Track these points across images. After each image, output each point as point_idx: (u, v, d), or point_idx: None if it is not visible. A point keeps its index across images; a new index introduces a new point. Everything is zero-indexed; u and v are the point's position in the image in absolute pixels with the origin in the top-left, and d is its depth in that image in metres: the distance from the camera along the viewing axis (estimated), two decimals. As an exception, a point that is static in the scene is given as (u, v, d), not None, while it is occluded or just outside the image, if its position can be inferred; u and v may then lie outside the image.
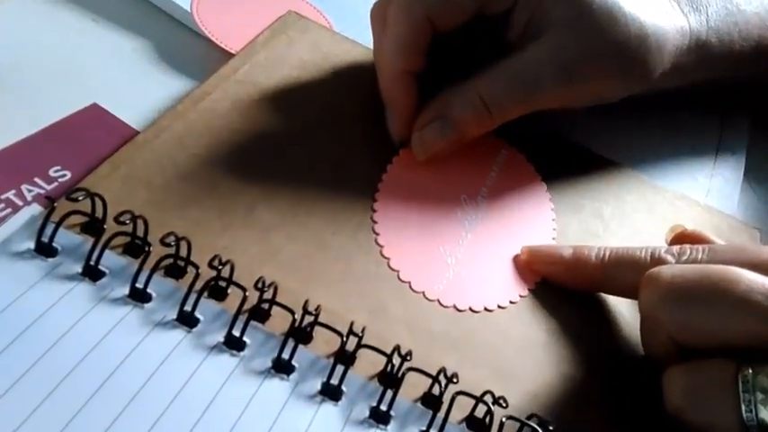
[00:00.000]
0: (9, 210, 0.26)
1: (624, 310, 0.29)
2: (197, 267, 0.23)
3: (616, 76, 0.30)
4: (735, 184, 0.37)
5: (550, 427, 0.23)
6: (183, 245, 0.24)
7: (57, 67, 0.32)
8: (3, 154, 0.28)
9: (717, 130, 0.38)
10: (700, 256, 0.26)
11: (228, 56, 0.34)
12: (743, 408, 0.21)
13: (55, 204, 0.23)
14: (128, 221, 0.23)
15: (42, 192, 0.27)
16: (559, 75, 0.29)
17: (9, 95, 0.30)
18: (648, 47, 0.30)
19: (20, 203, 0.27)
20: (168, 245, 0.23)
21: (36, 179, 0.28)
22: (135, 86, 0.33)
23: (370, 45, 0.36)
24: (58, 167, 0.28)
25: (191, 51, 0.35)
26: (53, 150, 0.29)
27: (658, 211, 0.33)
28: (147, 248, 0.23)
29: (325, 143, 0.31)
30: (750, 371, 0.22)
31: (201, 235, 0.26)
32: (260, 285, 0.23)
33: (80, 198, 0.23)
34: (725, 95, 0.38)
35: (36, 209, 0.25)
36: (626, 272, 0.27)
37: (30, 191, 0.27)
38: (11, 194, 0.27)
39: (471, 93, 0.30)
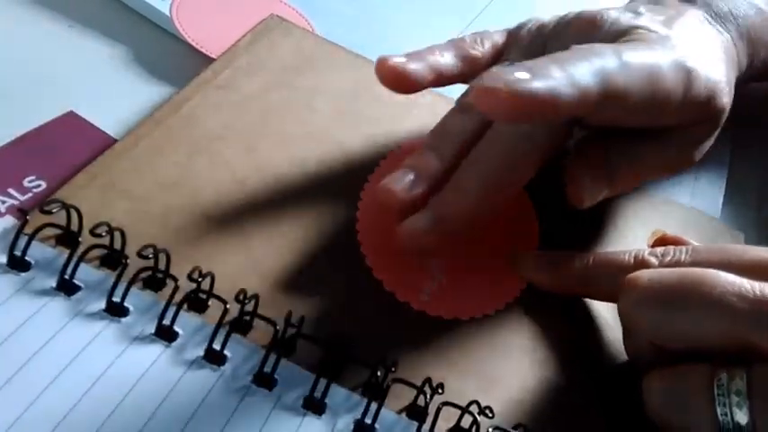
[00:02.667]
0: (-18, 221, 0.25)
1: (609, 316, 0.28)
2: (176, 280, 0.23)
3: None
4: (719, 186, 0.37)
5: (537, 438, 0.23)
6: (162, 257, 0.23)
7: (32, 74, 0.31)
8: (-24, 164, 0.27)
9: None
10: (683, 257, 0.26)
11: (209, 60, 0.34)
12: (718, 411, 0.21)
13: (28, 217, 0.22)
14: (104, 233, 0.23)
15: (16, 203, 0.26)
16: None
17: (-18, 103, 0.29)
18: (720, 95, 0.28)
19: (-7, 215, 0.26)
20: (146, 257, 0.22)
21: (9, 190, 0.27)
22: (113, 93, 0.32)
23: (353, 48, 0.36)
24: (33, 177, 0.28)
25: (170, 56, 0.34)
26: (28, 160, 0.28)
27: (643, 214, 0.33)
28: (124, 261, 0.23)
29: (308, 150, 0.31)
30: (725, 374, 0.22)
31: (182, 245, 0.25)
32: (241, 297, 0.23)
33: (54, 210, 0.23)
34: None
35: (9, 221, 0.25)
36: (610, 276, 0.27)
37: (3, 202, 0.27)
38: (-16, 205, 0.26)
39: (633, 157, 0.28)
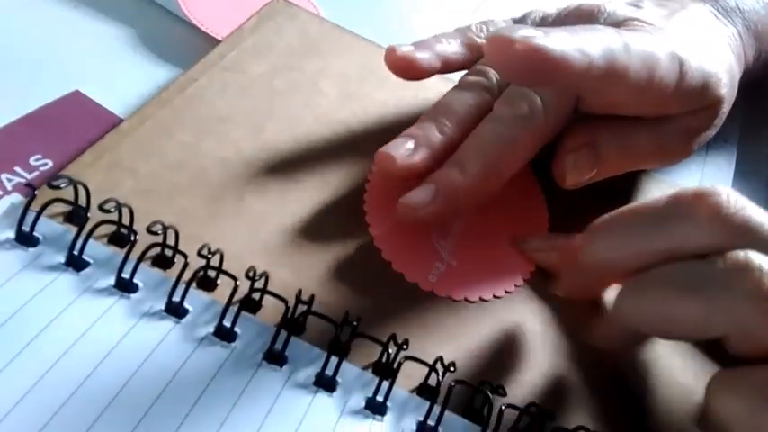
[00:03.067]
0: (-11, 199, 0.25)
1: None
2: (186, 256, 0.23)
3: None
4: (727, 172, 0.37)
5: (549, 415, 0.23)
6: (171, 234, 0.23)
7: (37, 54, 0.31)
8: (-19, 143, 0.27)
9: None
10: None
11: (214, 42, 0.33)
12: None
13: (36, 192, 0.22)
14: (112, 209, 0.22)
15: (23, 181, 0.26)
16: None
17: (-12, 82, 0.29)
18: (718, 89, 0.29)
19: (0, 193, 0.26)
20: (155, 233, 0.22)
21: (16, 168, 0.27)
22: (118, 73, 0.32)
23: (358, 32, 0.36)
24: (39, 156, 0.27)
25: (175, 38, 0.34)
26: (34, 138, 0.28)
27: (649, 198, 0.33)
28: (133, 237, 0.22)
29: (315, 132, 0.31)
30: None
31: (189, 224, 0.25)
32: (251, 274, 0.23)
33: (62, 186, 0.22)
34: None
35: (17, 198, 0.24)
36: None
37: (10, 180, 0.26)
38: (-11, 184, 0.26)
39: (625, 140, 0.28)
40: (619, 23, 0.28)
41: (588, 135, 0.28)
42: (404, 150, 0.26)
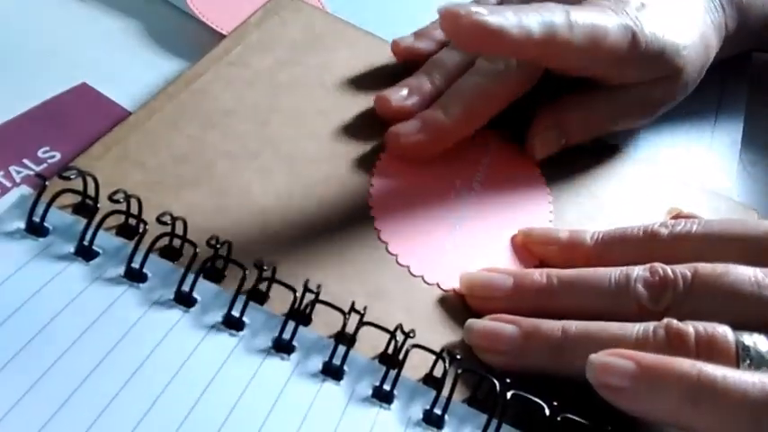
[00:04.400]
0: (-3, 191, 0.25)
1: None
2: (195, 246, 0.23)
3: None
4: (731, 163, 0.37)
5: (555, 404, 0.23)
6: (180, 224, 0.23)
7: (45, 47, 0.31)
8: (-10, 135, 0.27)
9: (713, 110, 0.39)
10: (694, 228, 0.26)
11: (220, 36, 0.34)
12: None
13: (46, 183, 0.22)
14: (122, 200, 0.23)
15: (32, 173, 0.26)
16: None
17: (-4, 75, 0.29)
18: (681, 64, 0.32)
19: (8, 185, 0.26)
20: (165, 223, 0.22)
21: (25, 160, 0.27)
22: (125, 67, 0.32)
23: (363, 26, 0.36)
24: (47, 148, 0.28)
25: (181, 32, 0.34)
26: (42, 131, 0.28)
27: (656, 192, 0.33)
28: (143, 227, 0.23)
29: (320, 125, 0.31)
30: None
31: (197, 217, 0.25)
32: (259, 264, 0.23)
33: (72, 177, 0.23)
34: (722, 75, 0.39)
35: (25, 190, 0.24)
36: (620, 249, 0.27)
37: (18, 172, 0.26)
38: (-1, 176, 0.26)
39: (584, 110, 0.32)
40: None
41: (552, 117, 0.32)
42: (399, 96, 0.31)
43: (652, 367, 0.21)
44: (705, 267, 0.24)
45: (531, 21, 0.27)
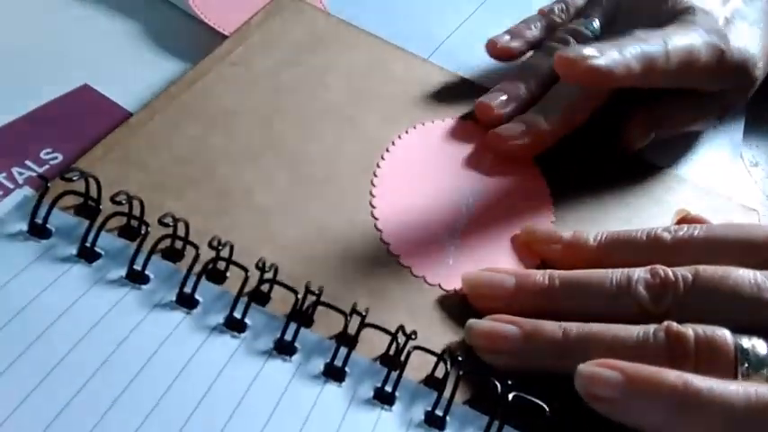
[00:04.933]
0: (0, 192, 0.25)
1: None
2: (197, 247, 0.23)
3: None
4: (732, 165, 0.37)
5: (555, 405, 0.23)
6: (181, 226, 0.23)
7: (46, 49, 0.31)
8: (-8, 136, 0.27)
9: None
10: (696, 233, 0.26)
11: (221, 37, 0.34)
12: None
13: (48, 184, 0.22)
14: (124, 201, 0.23)
15: (34, 174, 0.26)
16: None
17: (-2, 77, 0.29)
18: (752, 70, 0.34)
19: (11, 186, 0.26)
20: (167, 225, 0.22)
21: (27, 162, 0.27)
22: (126, 68, 0.32)
23: (366, 28, 0.36)
24: (49, 150, 0.28)
25: (183, 33, 0.34)
26: (44, 132, 0.28)
27: (657, 193, 0.33)
28: (145, 229, 0.23)
29: (322, 127, 0.31)
30: None
31: (199, 218, 0.25)
32: (261, 265, 0.23)
33: (74, 178, 0.23)
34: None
35: (28, 191, 0.25)
36: (622, 251, 0.27)
37: (21, 173, 0.27)
38: (1, 177, 0.26)
39: (674, 110, 0.35)
40: (681, 11, 0.33)
41: (648, 114, 0.34)
42: (499, 102, 0.33)
43: (639, 378, 0.21)
44: (706, 270, 0.24)
45: (633, 56, 0.30)
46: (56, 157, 0.27)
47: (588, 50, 0.29)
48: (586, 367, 0.22)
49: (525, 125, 0.32)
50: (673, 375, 0.21)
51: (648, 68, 0.30)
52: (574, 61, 0.29)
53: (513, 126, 0.32)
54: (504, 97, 0.33)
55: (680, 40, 0.31)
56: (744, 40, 0.33)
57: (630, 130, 0.34)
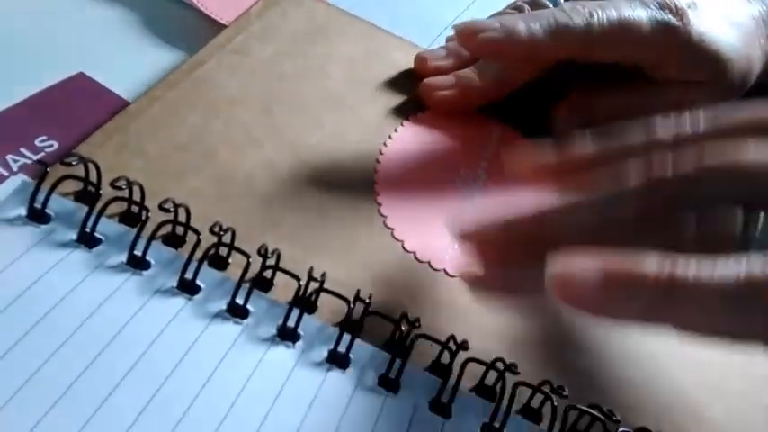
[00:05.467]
0: (-5, 180, 0.25)
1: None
2: (198, 233, 0.22)
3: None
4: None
5: (564, 393, 0.23)
6: (182, 212, 0.23)
7: (41, 36, 0.31)
8: (-13, 123, 0.27)
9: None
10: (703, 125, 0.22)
11: (219, 27, 0.33)
12: None
13: (48, 169, 0.22)
14: (124, 186, 0.22)
15: (29, 162, 0.26)
16: None
17: (-7, 64, 0.29)
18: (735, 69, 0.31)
19: (5, 174, 0.25)
20: (167, 210, 0.22)
21: (22, 149, 0.27)
22: (123, 57, 0.32)
23: (365, 17, 0.36)
24: (44, 137, 0.27)
25: (180, 22, 0.34)
26: (39, 120, 0.28)
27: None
28: (145, 214, 0.22)
29: (323, 114, 0.31)
30: None
31: (199, 205, 0.25)
32: (263, 251, 0.23)
33: (74, 163, 0.22)
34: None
35: (24, 178, 0.24)
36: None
37: (16, 161, 0.26)
38: (-4, 165, 0.26)
39: (615, 98, 0.33)
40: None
41: (583, 98, 0.33)
42: (436, 55, 0.34)
43: (618, 273, 0.19)
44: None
45: (542, 27, 0.29)
46: (51, 145, 0.27)
47: (490, 23, 0.29)
48: (557, 269, 0.19)
49: (456, 79, 0.32)
50: (655, 263, 0.18)
51: (561, 39, 0.29)
52: (471, 33, 0.29)
53: (445, 78, 0.32)
54: (443, 53, 0.34)
55: (614, 11, 0.30)
56: (712, 28, 0.30)
57: (557, 111, 0.33)
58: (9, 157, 0.26)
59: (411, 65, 0.34)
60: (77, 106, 0.29)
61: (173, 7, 0.35)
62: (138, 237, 0.22)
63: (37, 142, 0.27)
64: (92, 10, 0.33)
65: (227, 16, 0.34)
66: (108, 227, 0.23)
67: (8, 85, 0.28)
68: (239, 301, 0.22)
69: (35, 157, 0.26)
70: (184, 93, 0.29)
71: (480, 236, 0.23)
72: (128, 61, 0.31)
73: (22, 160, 0.26)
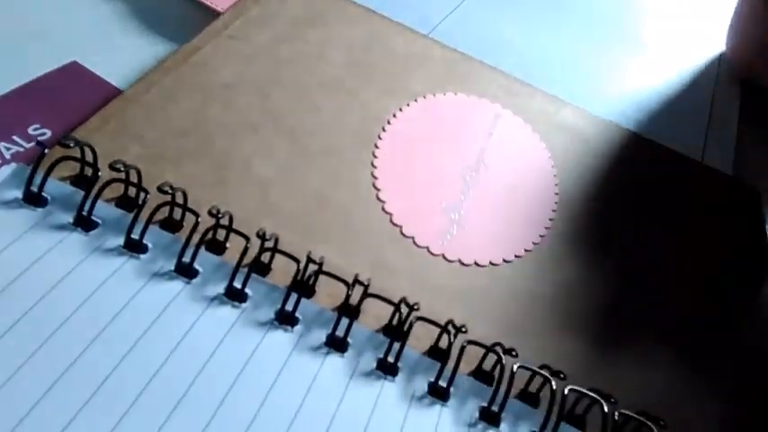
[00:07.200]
0: (-12, 167, 0.25)
1: (630, 264, 0.28)
2: (197, 215, 0.22)
3: None
4: (730, 139, 0.37)
5: (561, 376, 0.23)
6: (180, 196, 0.23)
7: (34, 25, 0.31)
8: (-20, 111, 0.27)
9: (711, 86, 0.38)
10: None
11: (214, 16, 0.33)
12: None
13: (45, 151, 0.22)
14: (122, 169, 0.22)
15: (21, 150, 0.26)
16: None
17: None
18: None
19: (-2, 161, 0.25)
20: (166, 192, 0.22)
21: (14, 137, 0.26)
22: (116, 46, 0.31)
23: (364, 2, 0.36)
24: (37, 125, 0.27)
25: (174, 10, 0.34)
26: (32, 108, 0.27)
27: (656, 168, 0.33)
28: (143, 197, 0.22)
29: (321, 99, 0.30)
30: None
31: (197, 190, 0.25)
32: (261, 234, 0.22)
33: (71, 145, 0.22)
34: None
35: (18, 164, 0.24)
36: None
37: (8, 149, 0.26)
38: (-12, 152, 0.25)
39: None
40: None
41: None
42: None
43: None
44: None
45: None
46: (44, 133, 0.27)
47: None
48: None
49: None
50: None
51: None
52: None
53: None
54: None
55: None
56: None
57: None
58: (2, 145, 0.26)
59: (410, 50, 0.34)
60: (71, 95, 0.28)
61: (168, -7, 0.34)
62: (135, 220, 0.22)
63: (30, 130, 0.27)
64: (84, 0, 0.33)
65: (222, 4, 0.34)
66: (105, 210, 0.23)
67: (1, 74, 0.28)
68: (237, 285, 0.22)
69: (28, 146, 0.26)
70: (182, 78, 0.29)
71: None
72: (122, 50, 0.31)
73: (15, 148, 0.26)
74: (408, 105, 0.31)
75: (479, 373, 0.23)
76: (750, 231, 0.31)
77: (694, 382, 0.25)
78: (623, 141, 0.34)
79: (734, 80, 0.38)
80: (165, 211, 0.23)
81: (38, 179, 0.22)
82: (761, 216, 0.30)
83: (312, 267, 0.23)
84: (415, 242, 0.26)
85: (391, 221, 0.27)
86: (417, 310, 0.23)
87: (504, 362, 0.22)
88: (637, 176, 0.33)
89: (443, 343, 0.23)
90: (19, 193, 0.22)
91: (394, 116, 0.31)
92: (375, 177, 0.28)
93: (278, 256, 0.23)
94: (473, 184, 0.29)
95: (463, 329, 0.23)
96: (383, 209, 0.27)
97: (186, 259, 0.22)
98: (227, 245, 0.24)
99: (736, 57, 0.37)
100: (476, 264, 0.26)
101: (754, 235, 0.31)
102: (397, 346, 0.22)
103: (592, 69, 0.39)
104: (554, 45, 0.40)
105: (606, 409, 0.21)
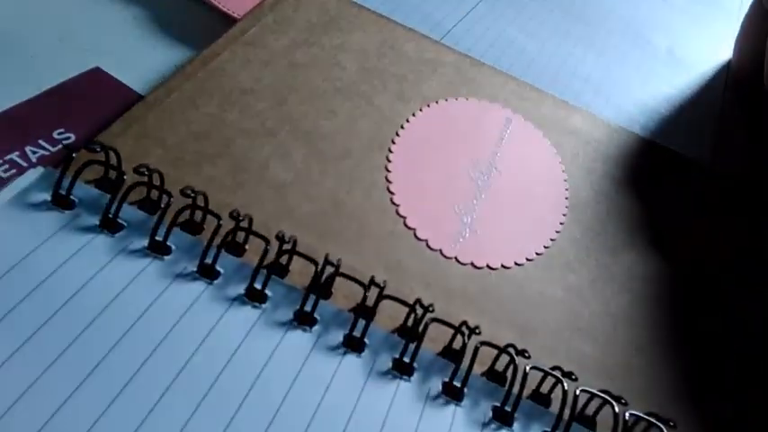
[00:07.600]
0: (14, 171, 0.25)
1: (640, 267, 0.29)
2: (219, 217, 0.23)
3: None
4: (738, 145, 0.37)
5: (574, 377, 0.23)
6: (201, 199, 0.24)
7: (59, 32, 0.31)
8: (6, 115, 0.27)
9: (720, 89, 0.39)
10: None
11: (232, 21, 0.34)
12: None
13: (74, 155, 0.23)
14: (146, 172, 0.23)
15: (47, 154, 0.26)
16: None
17: (11, 58, 0.29)
18: None
19: (24, 165, 0.26)
20: (188, 195, 0.23)
21: (40, 141, 0.27)
22: (137, 52, 0.32)
23: (377, 9, 0.36)
24: (62, 130, 0.28)
25: (193, 17, 0.34)
26: (57, 113, 0.28)
27: (665, 173, 0.34)
28: (167, 200, 0.23)
29: (337, 104, 0.31)
30: None
31: (216, 193, 0.25)
32: (280, 236, 0.23)
33: (97, 149, 0.23)
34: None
35: (46, 168, 0.25)
36: None
37: (34, 152, 0.27)
38: (15, 156, 0.26)
39: None
40: None
41: None
42: None
43: None
44: None
45: None
46: (68, 137, 0.27)
47: None
48: None
49: None
50: None
51: None
52: None
53: None
54: None
55: None
56: None
57: None
58: (28, 149, 0.27)
59: (422, 56, 0.35)
60: (94, 100, 0.29)
61: (187, 3, 0.35)
62: (159, 222, 0.23)
63: (55, 135, 0.27)
64: (108, 6, 0.34)
65: (239, 10, 0.34)
66: (129, 213, 0.23)
67: (26, 79, 0.29)
68: (257, 285, 0.23)
69: (53, 149, 0.27)
70: (201, 83, 0.29)
71: None
72: (142, 56, 0.32)
73: (41, 152, 0.27)
74: (421, 110, 0.32)
75: (492, 374, 0.24)
76: (752, 234, 0.31)
77: (700, 383, 0.26)
78: (633, 146, 0.34)
79: (741, 87, 0.38)
80: (186, 213, 0.24)
81: (65, 182, 0.23)
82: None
83: (329, 269, 0.23)
84: (428, 245, 0.27)
85: (405, 224, 0.27)
86: (432, 311, 0.23)
87: (516, 363, 0.23)
88: (646, 181, 0.33)
89: (457, 344, 0.24)
90: (47, 196, 0.23)
91: (407, 121, 0.31)
92: (389, 181, 0.28)
93: (295, 258, 0.24)
94: (485, 187, 0.30)
95: (477, 331, 0.24)
96: (397, 212, 0.27)
97: (208, 261, 0.23)
98: (246, 247, 0.24)
99: (741, 67, 0.37)
100: (488, 267, 0.27)
101: (754, 237, 0.31)
102: (412, 346, 0.23)
103: (602, 75, 0.40)
104: (565, 51, 0.41)
105: (617, 409, 0.22)
